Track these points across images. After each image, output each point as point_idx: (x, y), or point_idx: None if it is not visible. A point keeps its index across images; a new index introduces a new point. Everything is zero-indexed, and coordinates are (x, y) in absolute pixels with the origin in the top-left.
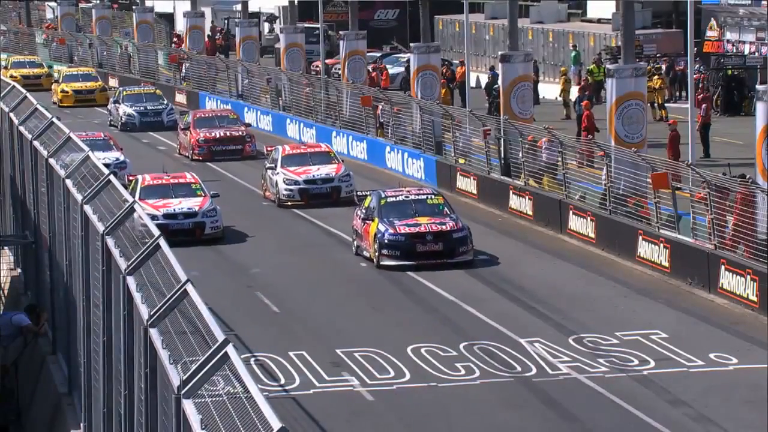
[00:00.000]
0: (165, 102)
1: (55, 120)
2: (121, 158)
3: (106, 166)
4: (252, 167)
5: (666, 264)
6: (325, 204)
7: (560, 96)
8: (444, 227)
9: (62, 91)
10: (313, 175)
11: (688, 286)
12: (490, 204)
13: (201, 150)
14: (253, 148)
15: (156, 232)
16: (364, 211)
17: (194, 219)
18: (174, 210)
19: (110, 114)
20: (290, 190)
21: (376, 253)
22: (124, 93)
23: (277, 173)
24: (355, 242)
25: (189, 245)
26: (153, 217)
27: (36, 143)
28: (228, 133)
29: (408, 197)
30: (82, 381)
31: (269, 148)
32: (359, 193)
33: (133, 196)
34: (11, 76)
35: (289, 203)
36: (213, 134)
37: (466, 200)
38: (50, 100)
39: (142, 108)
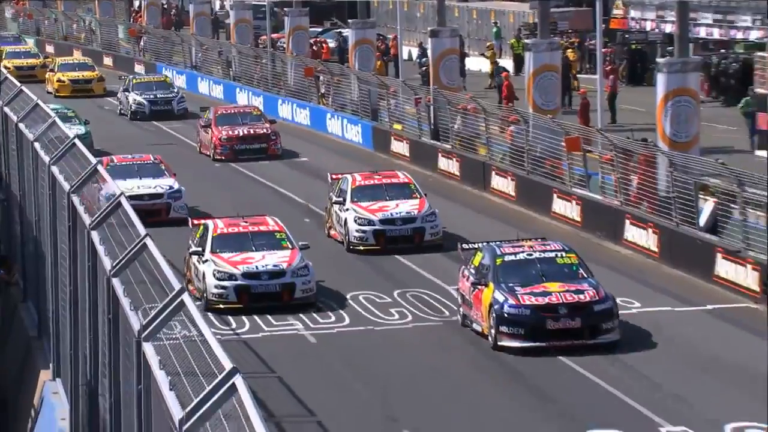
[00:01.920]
0: (175, 90)
1: (23, 88)
2: (175, 186)
3: (158, 196)
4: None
5: (578, 219)
6: (405, 249)
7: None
8: (582, 297)
9: (58, 80)
10: (391, 214)
11: (597, 238)
12: (422, 165)
13: (224, 149)
14: (278, 147)
15: (117, 190)
16: (473, 270)
17: (282, 279)
18: (257, 268)
19: (119, 102)
20: (363, 231)
21: (493, 330)
22: (134, 81)
23: (347, 210)
24: (461, 310)
25: (274, 312)
26: (230, 276)
27: (6, 109)
28: (252, 131)
29: (531, 255)
30: (51, 326)
31: (335, 177)
32: (465, 246)
33: (203, 248)
34: (5, 67)
35: (362, 247)
36: (236, 132)
37: (400, 162)
38: (45, 91)
39: (152, 96)
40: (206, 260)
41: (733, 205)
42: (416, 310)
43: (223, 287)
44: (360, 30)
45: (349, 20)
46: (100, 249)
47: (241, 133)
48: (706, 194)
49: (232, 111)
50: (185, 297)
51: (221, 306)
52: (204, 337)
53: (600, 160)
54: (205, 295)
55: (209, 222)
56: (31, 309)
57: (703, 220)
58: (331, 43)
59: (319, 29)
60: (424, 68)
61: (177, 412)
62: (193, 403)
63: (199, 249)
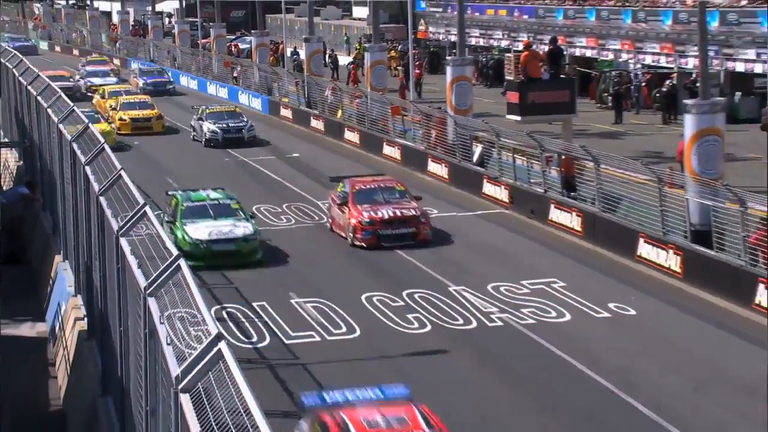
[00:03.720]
0: (245, 119)
1: (40, 73)
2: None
3: None
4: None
5: (399, 158)
6: None
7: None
8: (406, 211)
9: (120, 119)
10: None
11: (411, 171)
12: (300, 125)
13: (365, 234)
14: (429, 232)
15: (102, 139)
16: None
17: None
18: None
19: (194, 130)
20: None
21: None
22: (207, 111)
23: None
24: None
25: None
26: None
27: (29, 87)
28: (399, 213)
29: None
30: (61, 227)
31: None
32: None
33: None
34: (120, 120)
35: None
36: (380, 214)
37: (286, 123)
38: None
39: (224, 125)
40: None
41: (493, 149)
42: (298, 216)
43: None
44: (259, 37)
45: (252, 31)
46: (91, 177)
47: (386, 216)
48: (477, 142)
49: (371, 186)
50: (147, 209)
51: None
52: (160, 234)
53: (412, 121)
54: None
55: None
56: (48, 216)
57: (475, 158)
58: (242, 46)
59: (233, 37)
60: (295, 62)
61: (142, 282)
62: (152, 277)
63: None
